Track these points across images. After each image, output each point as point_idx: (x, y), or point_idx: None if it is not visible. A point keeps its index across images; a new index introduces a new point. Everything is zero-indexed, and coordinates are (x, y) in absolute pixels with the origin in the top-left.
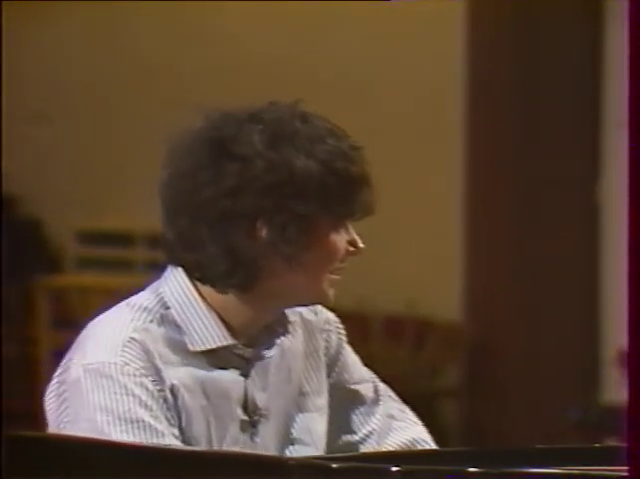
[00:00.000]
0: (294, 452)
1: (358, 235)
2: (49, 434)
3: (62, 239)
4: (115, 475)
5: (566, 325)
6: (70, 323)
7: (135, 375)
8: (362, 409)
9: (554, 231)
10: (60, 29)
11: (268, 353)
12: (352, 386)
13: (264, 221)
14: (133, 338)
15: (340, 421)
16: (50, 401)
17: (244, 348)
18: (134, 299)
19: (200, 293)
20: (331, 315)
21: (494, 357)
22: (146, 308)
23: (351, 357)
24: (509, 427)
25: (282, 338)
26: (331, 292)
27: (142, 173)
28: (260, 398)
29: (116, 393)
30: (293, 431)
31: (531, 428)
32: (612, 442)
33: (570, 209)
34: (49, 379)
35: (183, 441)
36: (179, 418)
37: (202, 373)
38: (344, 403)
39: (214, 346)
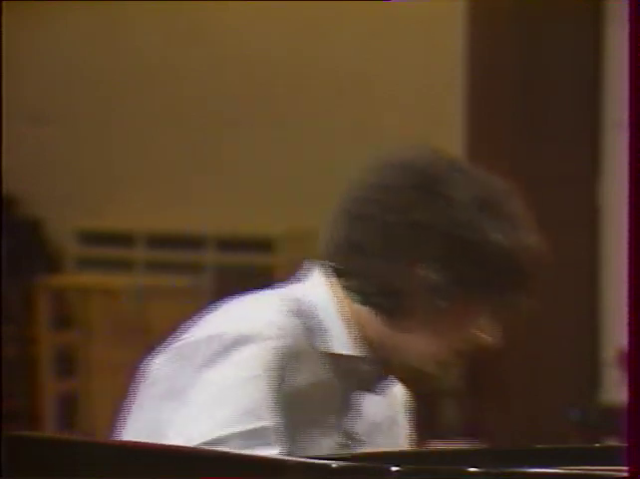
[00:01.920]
0: None
1: None
2: (49, 434)
3: (62, 240)
4: (115, 475)
5: (566, 326)
6: (70, 323)
7: (269, 352)
8: None
9: (554, 230)
10: (60, 29)
11: (382, 389)
12: None
13: (427, 265)
14: (275, 320)
15: None
16: (161, 368)
17: (368, 366)
18: (277, 293)
19: (340, 302)
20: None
21: (494, 357)
22: (284, 300)
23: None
24: (509, 427)
25: (392, 383)
26: (436, 368)
27: (142, 173)
28: (362, 425)
29: (247, 364)
30: None
31: (531, 428)
32: (612, 442)
33: (570, 208)
34: (49, 379)
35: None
36: (296, 414)
37: (323, 378)
38: None
39: (343, 353)
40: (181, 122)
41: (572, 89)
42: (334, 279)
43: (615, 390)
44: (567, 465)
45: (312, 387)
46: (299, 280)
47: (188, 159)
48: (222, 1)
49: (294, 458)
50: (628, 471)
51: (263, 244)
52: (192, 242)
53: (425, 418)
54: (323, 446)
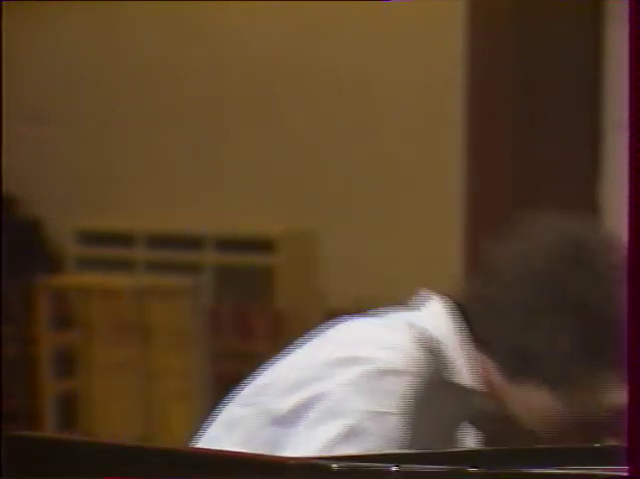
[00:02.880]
0: None
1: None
2: (49, 434)
3: (62, 240)
4: (115, 475)
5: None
6: (70, 323)
7: (411, 397)
8: None
9: None
10: (60, 29)
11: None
12: None
13: (564, 333)
14: (419, 357)
15: None
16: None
17: (483, 402)
18: (401, 318)
19: (460, 341)
20: None
21: None
22: (422, 330)
23: None
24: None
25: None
26: (545, 429)
27: (142, 173)
28: None
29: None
30: None
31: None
32: (612, 442)
33: (570, 209)
34: (49, 379)
35: None
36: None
37: (441, 409)
38: None
39: (467, 385)
40: (181, 122)
41: (572, 89)
42: (456, 316)
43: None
44: (567, 465)
45: (431, 418)
46: (416, 308)
47: (188, 159)
48: (222, 1)
49: (294, 458)
50: (628, 471)
51: (263, 244)
52: (192, 242)
53: None
54: None
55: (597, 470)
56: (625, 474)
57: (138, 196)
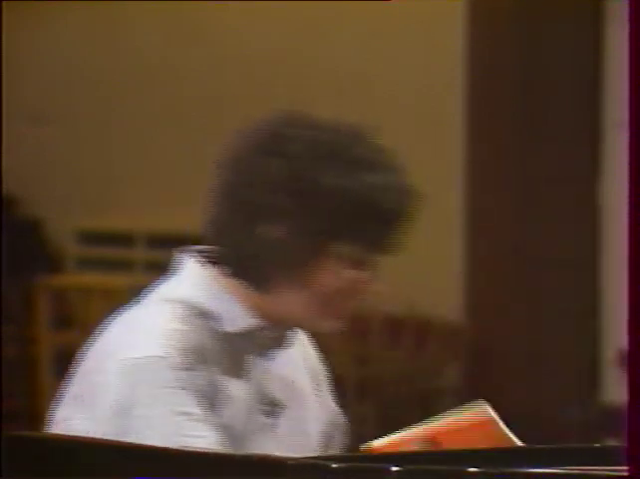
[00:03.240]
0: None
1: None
2: (49, 434)
3: (62, 239)
4: (115, 475)
5: (566, 325)
6: (70, 323)
7: (180, 369)
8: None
9: (554, 230)
10: (60, 29)
11: (286, 352)
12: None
13: (273, 224)
14: (176, 329)
15: None
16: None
17: (269, 333)
18: (160, 294)
19: (220, 281)
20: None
21: (494, 358)
22: (179, 301)
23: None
24: (509, 427)
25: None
26: (327, 323)
27: (142, 173)
28: (279, 390)
29: (165, 387)
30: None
31: (531, 428)
32: (612, 442)
33: (570, 208)
34: (49, 379)
35: (222, 429)
36: (222, 408)
37: (233, 360)
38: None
39: (240, 329)
40: (181, 122)
41: (572, 89)
42: (207, 262)
43: (615, 390)
44: (567, 465)
45: (226, 372)
46: (174, 274)
47: (188, 159)
48: (222, 1)
49: (294, 458)
50: (628, 471)
51: None
52: (192, 243)
53: (425, 418)
54: (253, 421)
55: (597, 470)
56: (625, 474)
57: (138, 196)
